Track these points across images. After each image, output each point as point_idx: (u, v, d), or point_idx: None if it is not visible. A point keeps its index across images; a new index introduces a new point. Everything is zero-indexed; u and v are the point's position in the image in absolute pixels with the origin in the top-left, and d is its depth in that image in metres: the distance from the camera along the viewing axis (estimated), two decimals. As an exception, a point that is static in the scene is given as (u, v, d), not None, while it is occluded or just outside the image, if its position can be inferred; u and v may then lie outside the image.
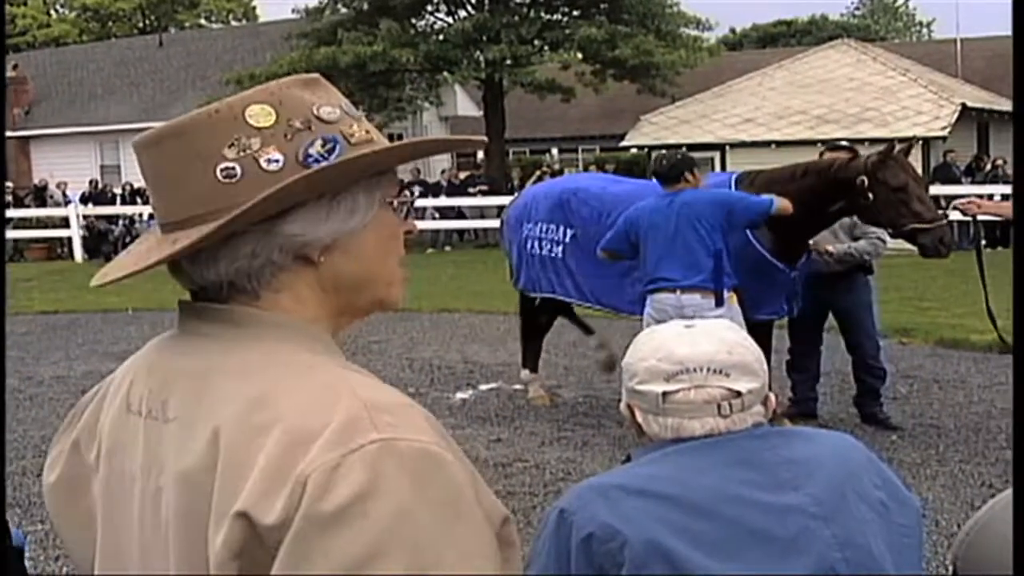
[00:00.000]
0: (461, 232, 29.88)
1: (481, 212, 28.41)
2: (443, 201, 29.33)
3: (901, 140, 26.18)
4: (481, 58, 31.05)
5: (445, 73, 32.62)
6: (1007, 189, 20.60)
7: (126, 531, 1.64)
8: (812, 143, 25.93)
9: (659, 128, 29.91)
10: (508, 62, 30.74)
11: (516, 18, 30.91)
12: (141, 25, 62.57)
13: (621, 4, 31.38)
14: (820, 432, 2.55)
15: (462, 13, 32.31)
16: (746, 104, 29.65)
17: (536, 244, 9.50)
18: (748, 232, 8.18)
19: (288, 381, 1.52)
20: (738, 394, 2.32)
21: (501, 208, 15.52)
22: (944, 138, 26.18)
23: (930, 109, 26.98)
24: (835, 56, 31.50)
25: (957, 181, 24.52)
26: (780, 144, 26.79)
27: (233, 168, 1.56)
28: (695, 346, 2.35)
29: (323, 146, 1.59)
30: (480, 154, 35.85)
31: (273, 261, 1.61)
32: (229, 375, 1.56)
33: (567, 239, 9.27)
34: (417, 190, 29.26)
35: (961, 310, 13.69)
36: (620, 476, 2.35)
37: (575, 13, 32.44)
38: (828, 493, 2.29)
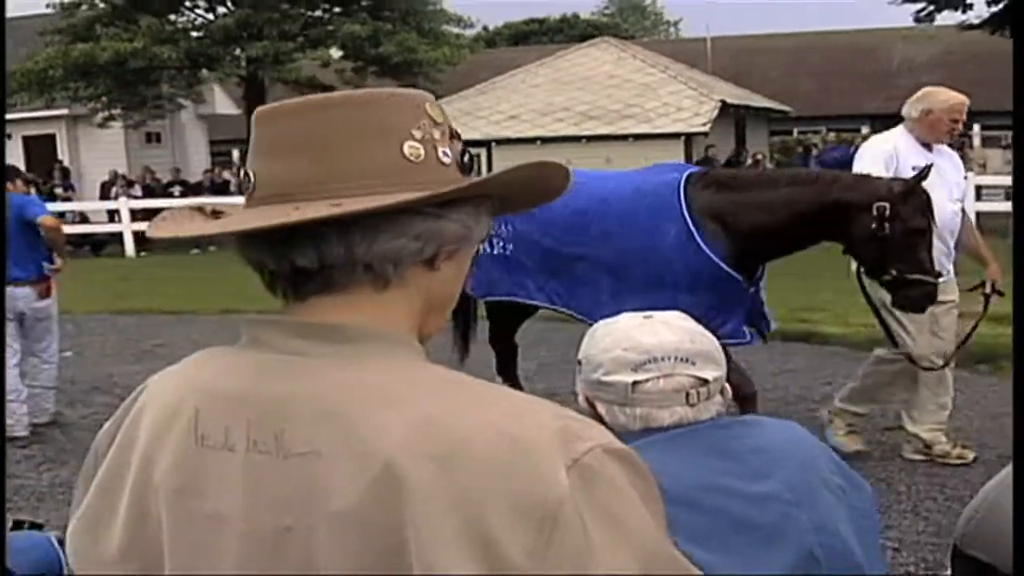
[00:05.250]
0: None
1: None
2: (206, 200, 28.45)
3: (665, 136, 26.91)
4: (242, 55, 30.61)
5: (205, 71, 31.98)
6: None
7: None
8: (577, 139, 26.55)
9: (424, 125, 29.99)
10: (270, 59, 30.29)
11: (278, 15, 30.50)
12: None
13: (383, 1, 31.38)
14: (772, 420, 2.54)
15: (222, 9, 31.76)
16: (510, 101, 30.03)
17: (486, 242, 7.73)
18: (699, 239, 6.85)
19: (448, 401, 1.43)
20: (704, 382, 2.31)
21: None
22: (705, 134, 27.00)
23: (690, 105, 27.78)
24: (596, 54, 32.19)
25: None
26: (545, 140, 27.27)
27: (419, 149, 1.55)
28: (659, 335, 2.33)
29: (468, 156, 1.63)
30: (236, 153, 35.22)
31: (422, 250, 1.55)
32: (366, 402, 1.43)
33: (511, 234, 7.63)
34: (178, 189, 28.69)
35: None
36: (598, 471, 2.29)
37: (337, 10, 32.27)
38: (798, 479, 2.30)
